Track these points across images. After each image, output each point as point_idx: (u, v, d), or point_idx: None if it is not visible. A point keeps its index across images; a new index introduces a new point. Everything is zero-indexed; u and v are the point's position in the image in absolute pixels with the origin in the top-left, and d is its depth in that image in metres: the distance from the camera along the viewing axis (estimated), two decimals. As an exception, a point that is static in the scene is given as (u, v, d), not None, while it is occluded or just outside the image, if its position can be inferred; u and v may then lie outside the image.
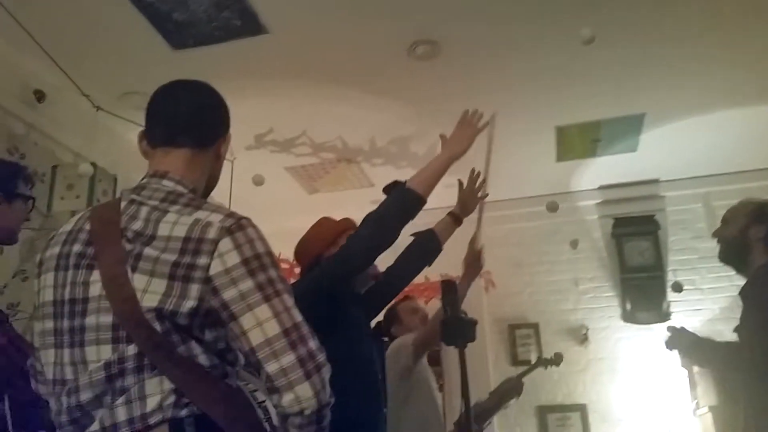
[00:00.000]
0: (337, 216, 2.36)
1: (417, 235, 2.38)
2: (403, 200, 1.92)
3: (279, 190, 4.35)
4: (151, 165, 1.30)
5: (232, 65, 3.06)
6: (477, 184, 2.46)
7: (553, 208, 4.10)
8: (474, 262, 2.62)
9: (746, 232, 2.28)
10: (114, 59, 2.98)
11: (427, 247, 2.34)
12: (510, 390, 3.38)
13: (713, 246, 2.54)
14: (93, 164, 2.88)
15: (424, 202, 1.95)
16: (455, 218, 2.43)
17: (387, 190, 2.00)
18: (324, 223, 2.31)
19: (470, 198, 2.45)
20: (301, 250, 2.25)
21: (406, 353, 2.76)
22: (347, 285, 2.05)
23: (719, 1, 2.76)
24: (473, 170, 2.47)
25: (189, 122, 1.31)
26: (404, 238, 2.15)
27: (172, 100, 1.34)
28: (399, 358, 2.78)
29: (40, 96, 2.97)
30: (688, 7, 2.79)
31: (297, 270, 2.46)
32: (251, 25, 2.77)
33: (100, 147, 3.14)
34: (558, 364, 3.72)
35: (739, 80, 3.40)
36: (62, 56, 2.80)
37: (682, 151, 4.25)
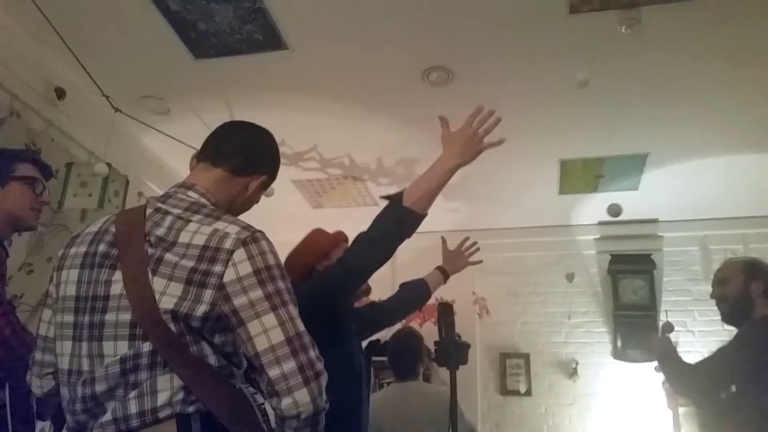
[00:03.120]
0: (338, 231, 2.40)
1: (411, 284, 2.61)
2: (400, 220, 1.79)
3: (283, 203, 4.40)
4: (187, 177, 1.41)
5: (251, 77, 3.14)
6: (467, 248, 2.69)
7: (615, 212, 4.16)
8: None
9: (748, 289, 2.39)
10: (136, 63, 3.05)
11: (420, 294, 2.57)
12: None
13: (707, 289, 2.62)
14: (108, 164, 2.93)
15: (422, 217, 1.83)
16: (444, 273, 2.67)
17: (386, 198, 1.89)
18: (317, 235, 2.34)
19: (459, 258, 2.68)
20: (292, 261, 2.25)
21: None
22: (343, 299, 2.06)
23: (724, 54, 2.85)
24: (467, 238, 2.73)
25: (234, 149, 1.43)
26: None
27: (231, 129, 1.50)
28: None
29: (60, 93, 3.03)
30: (696, 58, 2.88)
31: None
32: (272, 41, 2.84)
33: (114, 147, 3.19)
34: None
35: (741, 129, 3.48)
36: (85, 56, 2.88)
37: (683, 193, 4.33)
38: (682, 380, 2.51)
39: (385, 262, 1.88)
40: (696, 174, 4.05)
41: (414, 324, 4.53)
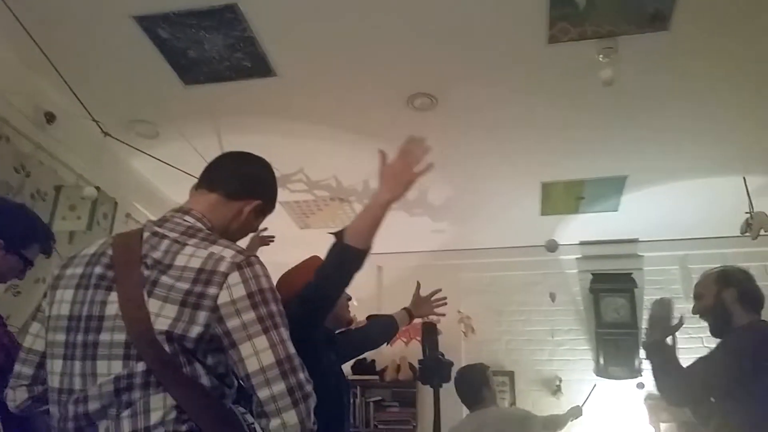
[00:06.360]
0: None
1: (380, 321, 2.68)
2: (343, 256, 1.87)
3: (271, 224, 4.43)
4: (184, 203, 1.44)
5: (240, 103, 3.20)
6: (436, 299, 2.75)
7: (552, 247, 4.24)
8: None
9: (721, 298, 2.37)
10: (125, 88, 3.10)
11: (389, 329, 2.64)
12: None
13: (687, 307, 2.65)
14: (97, 188, 2.97)
15: (365, 252, 1.87)
16: (410, 313, 2.74)
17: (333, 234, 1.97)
18: (311, 262, 2.40)
19: (425, 306, 2.75)
20: (283, 284, 2.31)
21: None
22: (313, 326, 2.08)
23: (699, 80, 2.96)
24: (439, 290, 2.78)
25: (229, 174, 1.48)
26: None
27: (228, 157, 1.55)
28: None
29: (50, 118, 3.07)
30: (672, 84, 2.99)
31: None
32: (261, 68, 2.91)
33: (103, 171, 3.24)
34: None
35: (717, 152, 3.61)
36: (75, 81, 2.92)
37: (662, 213, 4.44)
38: (672, 384, 2.50)
39: (340, 292, 1.99)
40: (674, 195, 4.16)
41: (400, 343, 4.58)
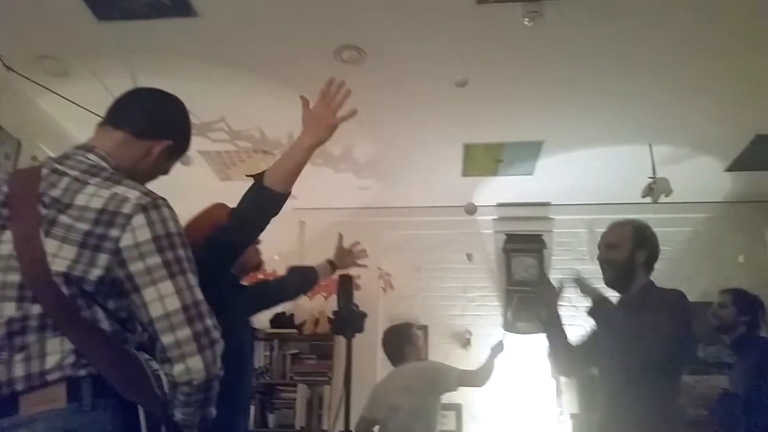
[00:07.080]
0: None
1: (299, 270, 2.76)
2: (260, 199, 1.81)
3: (189, 174, 4.30)
4: (88, 140, 1.37)
5: (157, 43, 3.06)
6: (357, 252, 2.89)
7: (471, 210, 4.36)
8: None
9: (633, 256, 2.40)
10: (32, 20, 2.89)
11: (307, 279, 2.72)
12: None
13: (592, 269, 2.74)
14: (-2, 126, 2.78)
15: (285, 197, 1.82)
16: (332, 265, 2.84)
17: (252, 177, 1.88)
18: (215, 210, 2.35)
19: (347, 258, 2.87)
20: (188, 231, 2.28)
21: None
22: (221, 272, 2.06)
23: (616, 50, 3.09)
24: (358, 243, 2.92)
25: (137, 112, 1.41)
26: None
27: (137, 93, 1.47)
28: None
29: (-56, 48, 2.83)
30: (590, 53, 3.10)
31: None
32: (180, 7, 2.79)
33: (4, 109, 3.03)
34: None
35: (629, 120, 3.79)
36: (-26, 9, 2.69)
37: (573, 179, 4.64)
38: (560, 359, 2.65)
39: (256, 236, 1.97)
40: (585, 162, 4.36)
41: (320, 297, 4.62)
